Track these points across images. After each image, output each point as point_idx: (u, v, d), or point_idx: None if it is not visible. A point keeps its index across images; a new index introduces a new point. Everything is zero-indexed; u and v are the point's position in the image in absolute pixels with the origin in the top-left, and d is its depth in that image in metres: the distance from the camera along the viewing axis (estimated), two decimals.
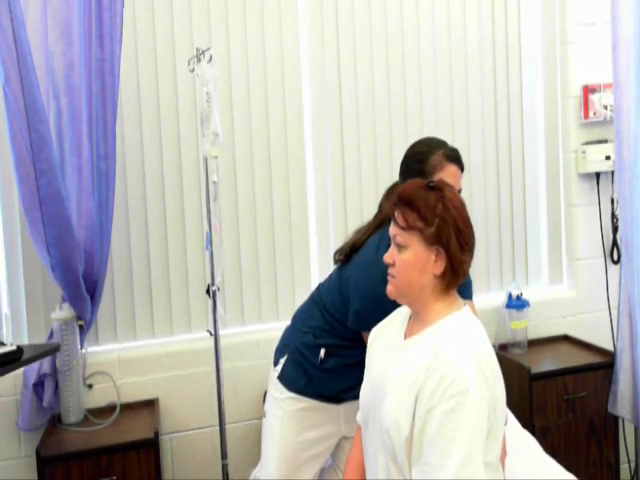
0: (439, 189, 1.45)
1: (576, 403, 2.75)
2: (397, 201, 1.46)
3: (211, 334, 2.34)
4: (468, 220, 1.46)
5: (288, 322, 2.20)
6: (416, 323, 1.50)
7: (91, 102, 2.33)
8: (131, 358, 2.60)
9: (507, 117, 3.05)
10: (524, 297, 2.94)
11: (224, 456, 2.38)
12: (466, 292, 1.91)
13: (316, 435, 2.04)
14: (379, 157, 2.87)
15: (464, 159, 1.94)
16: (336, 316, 1.99)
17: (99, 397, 2.55)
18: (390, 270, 1.48)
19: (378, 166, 2.87)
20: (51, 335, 2.44)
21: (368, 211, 2.23)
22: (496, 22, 3.01)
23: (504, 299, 2.96)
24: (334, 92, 2.82)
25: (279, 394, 2.05)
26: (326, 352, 2.00)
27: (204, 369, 2.61)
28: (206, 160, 2.31)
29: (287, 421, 2.02)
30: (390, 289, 1.49)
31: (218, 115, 2.23)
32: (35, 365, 2.39)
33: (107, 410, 2.52)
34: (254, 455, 2.52)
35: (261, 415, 2.20)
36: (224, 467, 2.39)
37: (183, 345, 2.67)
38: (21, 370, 2.39)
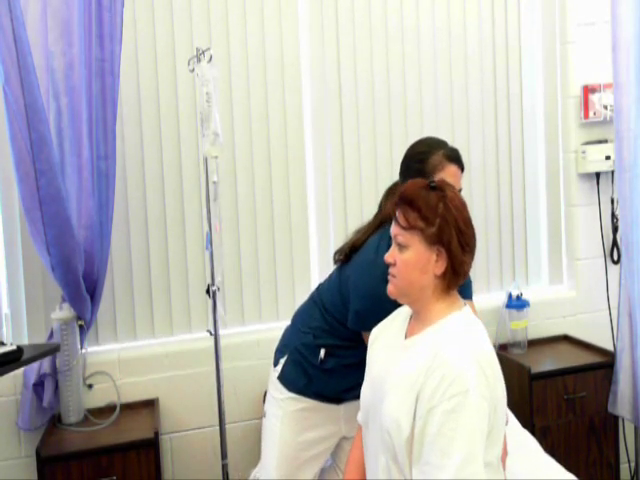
0: (440, 189, 1.45)
1: (576, 403, 2.75)
2: (398, 201, 1.46)
3: (211, 334, 2.34)
4: (469, 220, 1.46)
5: (288, 322, 2.20)
6: (417, 323, 1.50)
7: (91, 102, 2.33)
8: (131, 358, 2.60)
9: (507, 117, 3.05)
10: (524, 297, 2.94)
11: (224, 456, 2.38)
12: (466, 292, 1.91)
13: (316, 435, 2.04)
14: (379, 157, 2.87)
15: (464, 159, 1.94)
16: (336, 316, 1.99)
17: (99, 397, 2.55)
18: (391, 270, 1.48)
19: (378, 166, 2.87)
20: (51, 335, 2.44)
21: (368, 211, 2.23)
22: (496, 22, 3.01)
23: (504, 299, 2.96)
24: (334, 92, 2.82)
25: (279, 394, 2.05)
26: (326, 352, 2.00)
27: (204, 369, 2.61)
28: (206, 160, 2.32)
29: (287, 421, 2.02)
30: (391, 289, 1.49)
31: (218, 115, 2.23)
32: (35, 365, 2.39)
33: (107, 410, 2.52)
34: (254, 455, 2.52)
35: (261, 415, 2.20)
36: (224, 467, 2.39)
37: (183, 345, 2.67)
38: (21, 370, 2.39)
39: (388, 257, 1.48)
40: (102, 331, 2.61)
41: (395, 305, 1.57)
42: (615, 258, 3.12)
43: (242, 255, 2.74)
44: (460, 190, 1.89)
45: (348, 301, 1.93)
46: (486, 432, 1.33)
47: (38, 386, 2.42)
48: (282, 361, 2.07)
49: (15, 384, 2.46)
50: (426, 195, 1.44)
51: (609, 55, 2.58)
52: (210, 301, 2.34)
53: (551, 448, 2.59)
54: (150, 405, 2.57)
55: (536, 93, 3.09)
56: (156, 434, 2.28)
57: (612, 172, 3.02)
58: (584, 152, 3.02)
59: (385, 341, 1.59)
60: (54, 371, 2.42)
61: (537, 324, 3.05)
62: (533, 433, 2.54)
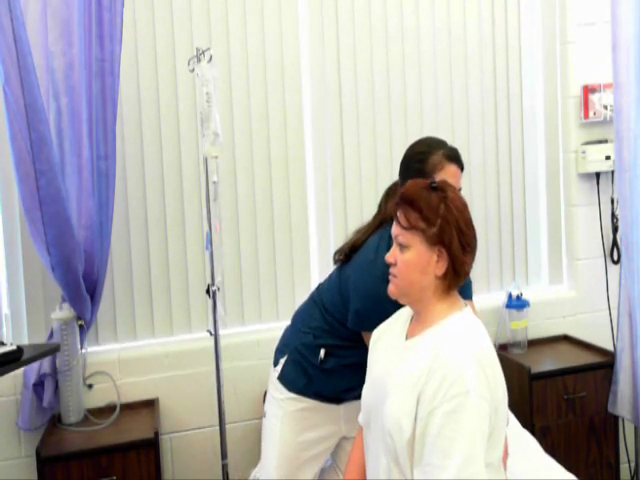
0: (442, 190, 1.45)
1: (576, 403, 2.75)
2: (399, 201, 1.46)
3: (211, 334, 2.34)
4: (470, 221, 1.46)
5: (288, 322, 2.20)
6: (417, 324, 1.50)
7: (91, 102, 2.33)
8: (131, 358, 2.60)
9: (507, 117, 3.05)
10: (524, 297, 2.94)
11: (224, 456, 2.38)
12: (466, 292, 1.91)
13: (316, 435, 2.04)
14: (379, 157, 2.87)
15: (464, 159, 1.94)
16: (336, 316, 1.99)
17: (99, 397, 2.55)
18: (392, 270, 1.48)
19: (378, 166, 2.87)
20: (51, 335, 2.44)
21: (368, 211, 2.23)
22: (496, 22, 3.01)
23: (504, 299, 2.96)
24: (334, 92, 2.82)
25: (279, 394, 2.05)
26: (326, 352, 2.00)
27: (204, 369, 2.61)
28: (206, 160, 2.31)
29: (287, 421, 2.02)
30: (391, 289, 1.49)
31: (218, 115, 2.23)
32: (35, 365, 2.39)
33: (107, 410, 2.52)
34: (254, 455, 2.52)
35: (261, 415, 2.20)
36: (224, 467, 2.39)
37: (183, 345, 2.67)
38: (21, 370, 2.39)
39: (389, 257, 1.48)
40: (102, 331, 2.61)
41: (395, 305, 1.57)
42: (615, 258, 3.12)
43: (242, 255, 2.74)
44: (460, 190, 1.89)
45: (348, 301, 1.93)
46: (487, 433, 1.33)
47: (38, 386, 2.42)
48: (282, 361, 2.07)
49: (15, 384, 2.46)
50: (427, 196, 1.44)
51: (609, 55, 2.57)
52: (210, 301, 2.34)
53: (551, 448, 2.59)
54: (150, 405, 2.57)
55: (536, 93, 3.09)
56: (156, 434, 2.28)
57: (612, 172, 3.02)
58: (584, 152, 3.02)
59: (386, 342, 1.59)
60: (54, 371, 2.42)
61: (537, 324, 3.05)
62: (533, 433, 2.54)
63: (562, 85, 3.07)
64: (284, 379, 2.04)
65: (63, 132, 2.31)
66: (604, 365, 2.79)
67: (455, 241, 1.42)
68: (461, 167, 1.92)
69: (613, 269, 3.09)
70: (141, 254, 2.64)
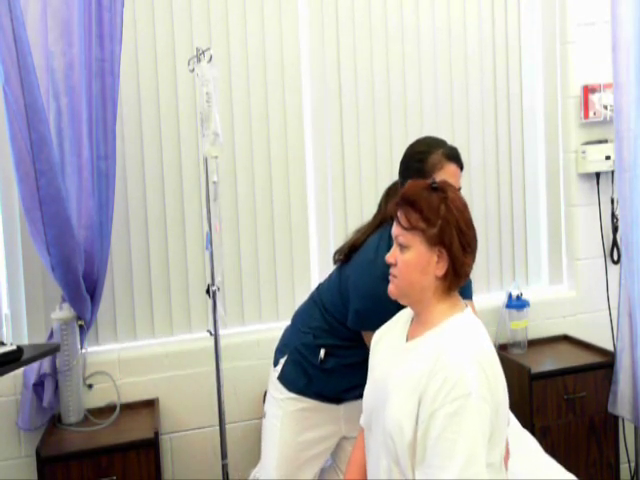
0: (442, 190, 1.45)
1: (576, 403, 2.75)
2: (400, 201, 1.46)
3: (211, 334, 2.34)
4: (471, 222, 1.46)
5: (288, 322, 2.20)
6: (418, 325, 1.50)
7: (91, 102, 2.33)
8: (131, 358, 2.60)
9: (507, 117, 3.05)
10: (524, 297, 2.94)
11: (224, 456, 2.38)
12: (466, 292, 1.91)
13: (316, 435, 2.04)
14: (379, 157, 2.87)
15: (464, 159, 1.94)
16: (336, 316, 1.99)
17: (99, 397, 2.55)
18: (392, 270, 1.48)
19: (378, 166, 2.87)
20: (51, 335, 2.44)
21: (368, 211, 2.23)
22: (496, 22, 3.01)
23: (504, 299, 2.96)
24: (334, 92, 2.82)
25: (279, 394, 2.05)
26: (326, 352, 2.00)
27: (204, 369, 2.61)
28: (206, 160, 2.31)
29: (287, 421, 2.02)
30: (391, 289, 1.49)
31: (218, 115, 2.23)
32: (35, 365, 2.39)
33: (107, 410, 2.52)
34: (254, 455, 2.52)
35: (261, 415, 2.20)
36: (224, 467, 2.39)
37: (183, 345, 2.67)
38: (21, 370, 2.39)
39: (389, 257, 1.48)
40: (102, 331, 2.61)
41: (395, 304, 1.56)
42: (615, 258, 3.12)
43: (242, 255, 2.74)
44: (459, 189, 1.89)
45: (348, 301, 1.93)
46: (488, 434, 1.33)
47: (38, 386, 2.42)
48: (282, 361, 2.07)
49: (15, 384, 2.46)
50: (428, 196, 1.44)
51: (609, 55, 2.58)
52: (210, 301, 2.34)
53: (551, 448, 2.59)
54: (150, 405, 2.57)
55: (536, 93, 3.09)
56: (156, 434, 2.28)
57: (612, 172, 3.02)
58: (584, 152, 3.02)
59: (387, 344, 1.58)
60: (54, 371, 2.42)
61: (537, 324, 3.05)
62: (533, 433, 2.54)
63: (562, 85, 3.07)
64: (284, 379, 2.04)
65: (63, 132, 2.31)
66: (604, 365, 2.79)
67: (455, 242, 1.42)
68: (461, 166, 1.92)
69: (613, 269, 3.09)
70: (141, 254, 2.64)
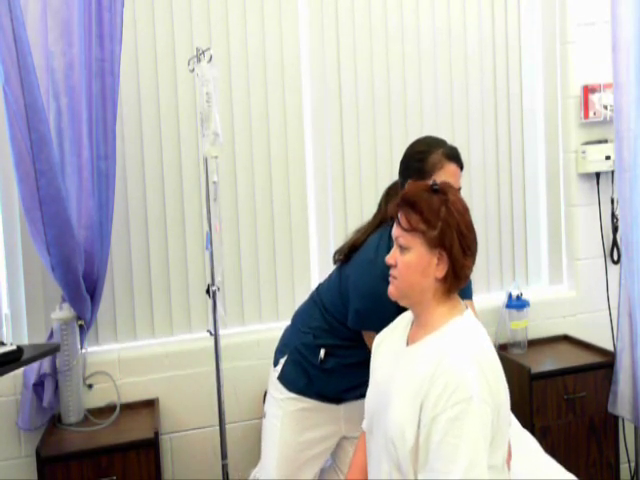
0: (443, 192, 1.45)
1: (576, 403, 2.75)
2: (400, 202, 1.46)
3: (211, 334, 2.34)
4: (471, 224, 1.46)
5: (288, 322, 2.20)
6: (418, 328, 1.50)
7: (91, 102, 2.33)
8: (131, 358, 2.60)
9: (507, 117, 3.05)
10: (524, 297, 2.94)
11: (224, 456, 2.38)
12: (466, 292, 1.90)
13: (316, 435, 2.04)
14: (379, 157, 2.87)
15: (464, 159, 1.94)
16: (336, 316, 1.99)
17: (99, 397, 2.55)
18: (392, 271, 1.48)
19: (378, 166, 2.87)
20: (51, 335, 2.44)
21: (368, 211, 2.23)
22: (496, 22, 3.01)
23: (504, 299, 2.96)
24: (334, 92, 2.82)
25: (279, 394, 2.05)
26: (326, 352, 2.00)
27: (204, 369, 2.61)
28: (206, 160, 2.31)
29: (287, 421, 2.02)
30: (391, 290, 1.49)
31: (218, 115, 2.23)
32: (35, 365, 2.39)
33: (107, 410, 2.52)
34: (254, 455, 2.52)
35: (261, 415, 2.20)
36: (224, 467, 2.39)
37: (183, 345, 2.67)
38: (21, 370, 2.39)
39: (389, 259, 1.48)
40: (102, 331, 2.61)
41: (395, 304, 1.56)
42: (615, 258, 3.12)
43: (242, 255, 2.74)
44: (459, 189, 1.90)
45: (348, 300, 1.93)
46: (490, 438, 1.33)
47: (38, 386, 2.42)
48: (282, 361, 2.07)
49: (15, 384, 2.45)
50: (428, 198, 1.44)
51: (609, 55, 2.58)
52: (210, 301, 2.34)
53: (551, 448, 2.59)
54: (150, 405, 2.57)
55: (536, 93, 3.09)
56: (156, 434, 2.28)
57: (612, 172, 3.02)
58: (584, 152, 3.02)
59: (388, 348, 1.58)
60: (54, 371, 2.42)
61: (537, 324, 3.05)
62: (533, 433, 2.54)
63: (562, 85, 3.07)
64: (284, 379, 2.04)
65: (63, 132, 2.31)
66: (604, 365, 2.78)
67: (456, 244, 1.41)
68: (461, 166, 1.92)
69: (613, 269, 3.09)
70: (141, 254, 2.63)
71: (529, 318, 2.95)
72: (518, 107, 3.06)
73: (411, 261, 1.43)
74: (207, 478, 2.65)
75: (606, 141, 3.04)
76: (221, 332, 2.36)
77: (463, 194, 1.82)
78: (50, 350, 2.13)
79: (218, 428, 2.39)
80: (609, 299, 3.10)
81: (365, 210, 2.79)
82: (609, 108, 2.97)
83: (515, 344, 2.94)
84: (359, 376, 1.91)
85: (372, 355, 1.64)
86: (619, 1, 2.50)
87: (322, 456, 2.09)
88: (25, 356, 1.91)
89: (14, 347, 1.88)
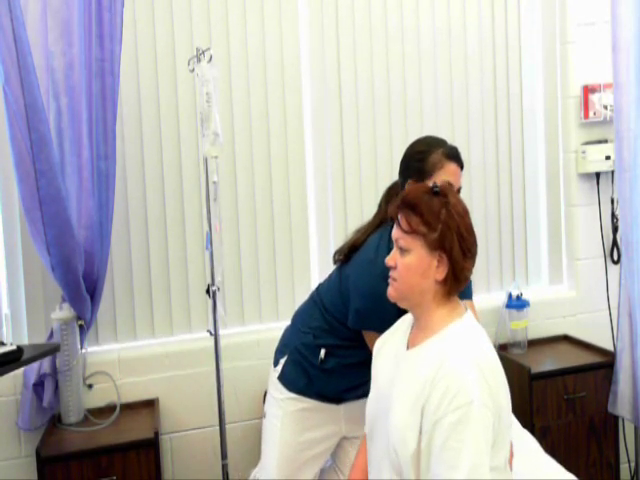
0: (443, 194, 1.44)
1: (576, 403, 2.75)
2: (401, 204, 1.46)
3: (211, 334, 2.34)
4: (471, 227, 1.46)
5: (288, 322, 2.20)
6: (418, 331, 1.49)
7: (91, 102, 2.33)
8: (131, 358, 2.60)
9: (507, 117, 3.05)
10: (524, 297, 2.94)
11: (224, 456, 2.38)
12: (466, 292, 1.91)
13: (316, 435, 2.04)
14: (379, 157, 2.87)
15: (464, 159, 1.94)
16: (336, 316, 1.99)
17: (99, 397, 2.55)
18: (391, 273, 1.48)
19: (378, 166, 2.87)
20: (51, 335, 2.44)
21: (368, 211, 2.23)
22: (496, 22, 3.01)
23: (504, 299, 2.96)
24: (334, 92, 2.82)
25: (279, 394, 2.05)
26: (326, 352, 2.00)
27: (204, 369, 2.61)
28: (206, 160, 2.31)
29: (287, 421, 2.02)
30: (391, 292, 1.49)
31: (218, 115, 2.23)
32: (35, 365, 2.39)
33: (107, 410, 2.52)
34: (254, 455, 2.52)
35: (261, 415, 2.20)
36: (224, 467, 2.39)
37: (183, 345, 2.67)
38: (21, 370, 2.39)
39: (389, 260, 1.48)
40: (102, 331, 2.61)
41: (395, 304, 1.56)
42: (615, 258, 3.12)
43: (242, 255, 2.74)
44: (460, 189, 1.90)
45: (348, 300, 1.93)
46: (491, 441, 1.33)
47: (38, 386, 2.42)
48: (282, 361, 2.07)
49: (15, 384, 2.45)
50: (429, 200, 1.43)
51: (609, 55, 2.58)
52: (210, 301, 2.34)
53: (551, 448, 2.59)
54: (150, 405, 2.57)
55: (536, 93, 3.09)
56: (156, 434, 2.28)
57: (612, 172, 3.02)
58: (584, 152, 3.02)
59: (389, 352, 1.57)
60: (54, 371, 2.42)
61: (537, 324, 3.05)
62: (533, 433, 2.54)
63: (562, 85, 3.07)
64: (284, 379, 2.04)
65: (63, 132, 2.31)
66: (604, 365, 2.78)
67: (456, 247, 1.41)
68: (461, 166, 1.92)
69: (613, 269, 3.09)
70: (141, 254, 2.63)
71: (529, 318, 2.95)
72: (518, 107, 3.06)
73: (411, 263, 1.43)
74: (207, 478, 2.65)
75: (606, 141, 3.04)
76: (221, 332, 2.36)
77: (463, 194, 1.83)
78: (50, 350, 2.12)
79: (218, 428, 2.39)
80: (609, 299, 3.10)
81: (365, 210, 2.79)
82: (609, 108, 2.97)
83: (515, 344, 2.94)
84: (359, 376, 1.92)
85: (373, 359, 1.64)
86: (619, 1, 2.50)
87: (322, 456, 2.09)
88: (25, 356, 1.91)
89: (14, 347, 1.88)
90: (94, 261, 2.38)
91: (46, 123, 2.19)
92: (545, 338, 3.07)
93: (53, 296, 2.47)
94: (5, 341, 1.94)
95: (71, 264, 2.30)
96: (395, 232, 1.47)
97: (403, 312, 1.64)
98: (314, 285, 2.33)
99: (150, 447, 2.27)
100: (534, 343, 3.01)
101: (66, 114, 2.29)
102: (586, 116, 3.02)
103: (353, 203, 2.85)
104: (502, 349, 2.94)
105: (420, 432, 1.35)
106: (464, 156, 1.94)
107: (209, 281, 2.34)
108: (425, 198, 1.44)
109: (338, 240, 2.63)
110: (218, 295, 2.33)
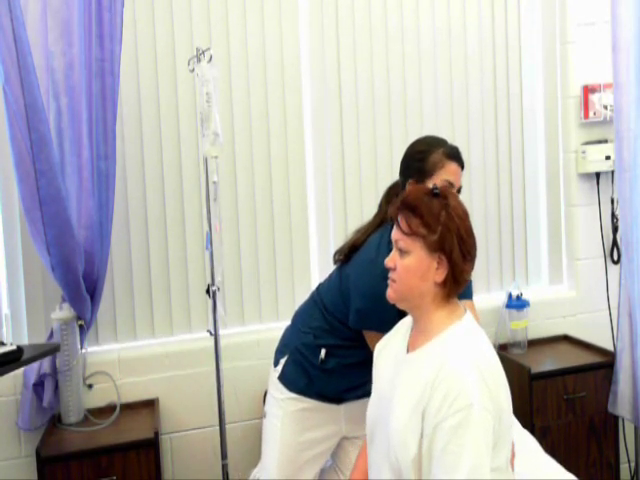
0: (443, 196, 1.44)
1: (576, 403, 2.75)
2: (400, 206, 1.46)
3: (211, 334, 2.34)
4: (471, 229, 1.46)
5: (288, 322, 2.20)
6: (418, 334, 1.49)
7: (91, 102, 2.33)
8: (131, 358, 2.60)
9: (507, 117, 3.05)
10: (524, 297, 2.94)
11: (224, 456, 2.38)
12: (466, 292, 1.90)
13: (317, 435, 2.04)
14: (379, 157, 2.87)
15: (464, 159, 1.94)
16: (337, 316, 1.99)
17: (99, 397, 2.55)
18: (391, 274, 1.48)
19: (378, 166, 2.87)
20: (51, 335, 2.44)
21: (368, 211, 2.23)
22: (496, 22, 3.01)
23: (504, 299, 2.96)
24: (334, 92, 2.82)
25: (279, 394, 2.05)
26: (326, 352, 2.00)
27: (204, 369, 2.61)
28: (206, 160, 2.31)
29: (288, 421, 2.02)
30: (390, 293, 1.49)
31: (218, 115, 2.23)
32: (35, 365, 2.39)
33: (107, 410, 2.52)
34: (254, 455, 2.52)
35: (261, 415, 2.20)
36: (224, 467, 2.39)
37: (183, 345, 2.67)
38: (21, 370, 2.39)
39: (389, 262, 1.48)
40: (102, 331, 2.61)
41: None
42: (615, 258, 3.12)
43: (242, 255, 2.74)
44: (460, 188, 1.90)
45: (349, 300, 1.93)
46: (492, 444, 1.33)
47: (38, 386, 2.42)
48: (282, 361, 2.07)
49: (15, 384, 2.45)
50: (429, 202, 1.43)
51: (609, 55, 2.58)
52: (210, 301, 2.34)
53: (551, 448, 2.59)
54: (150, 405, 2.57)
55: (536, 93, 3.09)
56: (156, 434, 2.28)
57: (612, 172, 3.02)
58: (584, 152, 3.02)
59: (389, 355, 1.57)
60: (54, 371, 2.42)
61: (537, 324, 3.05)
62: (533, 433, 2.54)
63: (562, 85, 3.07)
64: (285, 379, 2.04)
65: (63, 132, 2.31)
66: (604, 365, 2.79)
67: (456, 249, 1.41)
68: (461, 165, 1.92)
69: (613, 269, 3.09)
70: (141, 254, 2.63)
71: (529, 318, 2.95)
72: (518, 107, 3.06)
73: (411, 265, 1.43)
74: (207, 478, 2.65)
75: (606, 141, 3.04)
76: (221, 332, 2.36)
77: (463, 194, 1.83)
78: (50, 350, 2.12)
79: (218, 428, 2.39)
80: (609, 299, 3.10)
81: (365, 210, 2.79)
82: (609, 108, 2.97)
83: (515, 344, 2.94)
84: (360, 376, 1.92)
85: (374, 362, 1.63)
86: (619, 1, 2.50)
87: (322, 456, 2.09)
88: (25, 356, 1.91)
89: (14, 347, 1.88)
90: (94, 261, 2.38)
91: (46, 123, 2.19)
92: (545, 338, 3.07)
93: (53, 296, 2.47)
94: (5, 341, 1.94)
95: (71, 264, 2.30)
96: (395, 233, 1.47)
97: (404, 312, 1.63)
98: (314, 285, 2.33)
99: (150, 447, 2.27)
100: (534, 343, 3.00)
101: (66, 114, 2.29)
102: (586, 116, 3.02)
103: (353, 203, 2.85)
104: (502, 349, 2.94)
105: (421, 436, 1.35)
106: (464, 156, 1.94)
107: (209, 281, 2.34)
108: (425, 200, 1.44)
109: (338, 240, 2.63)
110: (218, 295, 2.33)
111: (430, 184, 1.71)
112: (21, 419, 2.42)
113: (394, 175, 2.03)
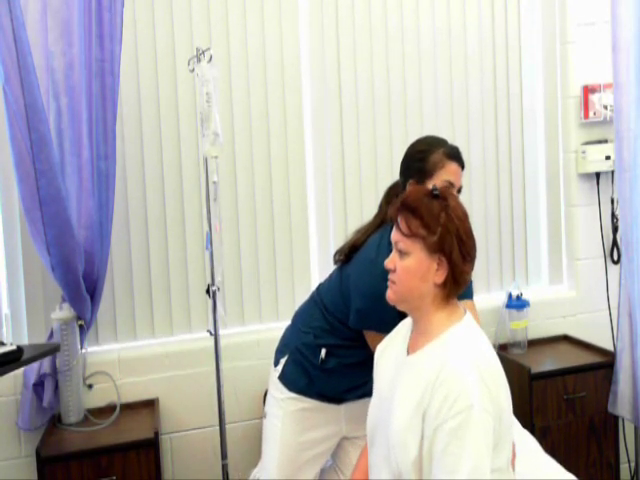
0: (443, 198, 1.44)
1: (576, 403, 2.75)
2: (400, 207, 1.46)
3: (211, 334, 2.34)
4: (470, 231, 1.45)
5: (288, 322, 2.20)
6: (418, 336, 1.49)
7: (91, 102, 2.33)
8: (131, 358, 2.60)
9: (507, 117, 3.05)
10: (524, 297, 2.94)
11: (224, 456, 2.38)
12: (467, 292, 1.90)
13: (317, 435, 2.04)
14: (379, 157, 2.87)
15: (464, 159, 1.94)
16: (337, 316, 1.99)
17: (99, 397, 2.55)
18: (391, 276, 1.47)
19: (378, 166, 2.87)
20: (51, 335, 2.44)
21: (368, 211, 2.23)
22: (496, 22, 3.01)
23: (504, 299, 2.96)
24: (334, 92, 2.82)
25: (280, 394, 2.05)
26: (327, 352, 2.00)
27: (204, 369, 2.61)
28: (206, 160, 2.31)
29: (288, 421, 2.02)
30: (390, 294, 1.48)
31: (218, 115, 2.23)
32: (35, 365, 2.39)
33: (107, 410, 2.52)
34: (254, 455, 2.52)
35: (261, 415, 2.20)
36: (224, 467, 2.39)
37: (183, 345, 2.67)
38: (21, 370, 2.39)
39: (388, 263, 1.48)
40: (102, 331, 2.61)
41: None
42: (615, 258, 3.12)
43: (242, 255, 2.74)
44: (461, 188, 1.90)
45: (349, 300, 1.93)
46: (492, 445, 1.33)
47: (38, 386, 2.42)
48: (282, 361, 2.07)
49: (15, 384, 2.45)
50: (429, 203, 1.43)
51: (609, 55, 2.58)
52: (210, 301, 2.34)
53: (551, 448, 2.58)
54: (150, 405, 2.57)
55: (536, 93, 3.09)
56: (156, 434, 2.28)
57: (612, 172, 3.02)
58: (584, 152, 3.02)
59: (389, 357, 1.57)
60: (54, 371, 2.42)
61: (537, 324, 3.05)
62: (533, 433, 2.54)
63: (562, 85, 3.07)
64: (285, 379, 2.04)
65: (63, 132, 2.31)
66: (604, 365, 2.79)
67: (455, 250, 1.41)
68: (462, 165, 1.92)
69: (613, 269, 3.09)
70: (141, 254, 2.63)
71: (529, 318, 2.95)
72: (518, 107, 3.06)
73: (410, 266, 1.43)
74: (207, 478, 2.65)
75: (606, 141, 3.04)
76: (221, 332, 2.36)
77: (463, 194, 1.83)
78: (50, 350, 2.12)
79: (218, 428, 2.39)
80: (609, 299, 3.10)
81: (365, 210, 2.79)
82: (609, 108, 2.97)
83: (515, 344, 2.94)
84: (360, 376, 1.92)
85: (374, 364, 1.63)
86: (619, 1, 2.50)
87: (323, 456, 2.09)
88: (25, 356, 1.91)
89: (14, 347, 1.88)
90: (94, 261, 2.38)
91: (46, 123, 2.19)
92: (545, 338, 3.06)
93: (53, 296, 2.47)
94: (5, 341, 1.94)
95: (71, 264, 2.30)
96: (395, 235, 1.47)
97: (404, 312, 1.64)
98: (314, 285, 2.33)
99: (150, 447, 2.27)
100: (534, 343, 3.00)
101: (66, 114, 2.29)
102: (586, 116, 3.02)
103: (353, 203, 2.85)
104: (502, 349, 2.94)
105: (422, 437, 1.35)
106: (464, 156, 1.94)
107: (209, 281, 2.34)
108: (425, 201, 1.44)
109: (338, 240, 2.63)
110: (218, 295, 2.33)
111: (430, 184, 1.71)
112: (21, 419, 2.42)
113: (394, 175, 2.03)
